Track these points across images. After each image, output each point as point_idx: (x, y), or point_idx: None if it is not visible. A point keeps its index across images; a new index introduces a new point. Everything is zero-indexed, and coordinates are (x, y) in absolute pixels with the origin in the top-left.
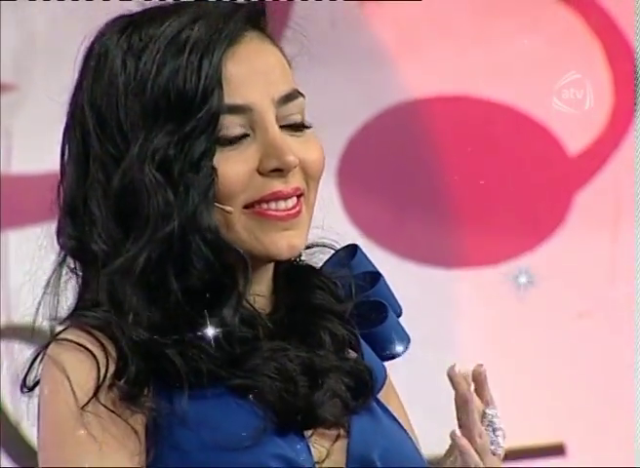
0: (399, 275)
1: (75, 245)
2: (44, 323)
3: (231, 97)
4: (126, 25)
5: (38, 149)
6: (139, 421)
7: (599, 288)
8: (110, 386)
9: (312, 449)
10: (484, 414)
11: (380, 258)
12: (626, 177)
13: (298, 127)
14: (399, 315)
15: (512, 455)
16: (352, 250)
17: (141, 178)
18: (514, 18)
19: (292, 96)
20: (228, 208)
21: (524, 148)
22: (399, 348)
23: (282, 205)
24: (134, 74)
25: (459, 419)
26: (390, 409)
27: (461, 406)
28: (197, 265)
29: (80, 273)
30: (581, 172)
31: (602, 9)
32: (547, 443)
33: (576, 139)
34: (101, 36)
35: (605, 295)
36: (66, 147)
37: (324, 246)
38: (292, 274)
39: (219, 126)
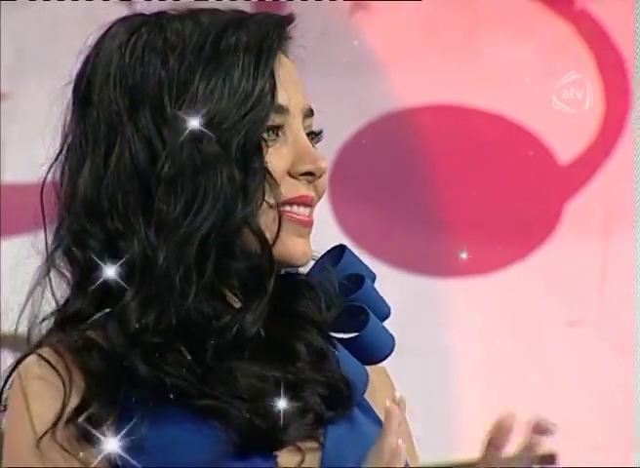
0: (389, 284)
1: (98, 245)
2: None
3: (277, 98)
4: (149, 22)
5: (30, 158)
6: (94, 459)
7: (589, 297)
8: (69, 421)
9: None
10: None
11: (370, 267)
12: (617, 187)
13: (314, 139)
14: (386, 318)
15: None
16: (340, 251)
17: (207, 156)
18: (505, 26)
19: (312, 111)
20: (269, 202)
21: (514, 157)
22: (380, 353)
23: (303, 210)
24: (177, 68)
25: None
26: (377, 410)
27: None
28: (240, 262)
29: (74, 278)
30: (572, 181)
31: (594, 18)
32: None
33: (566, 148)
34: (114, 29)
35: (595, 304)
36: (72, 145)
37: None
38: (275, 280)
39: (267, 122)
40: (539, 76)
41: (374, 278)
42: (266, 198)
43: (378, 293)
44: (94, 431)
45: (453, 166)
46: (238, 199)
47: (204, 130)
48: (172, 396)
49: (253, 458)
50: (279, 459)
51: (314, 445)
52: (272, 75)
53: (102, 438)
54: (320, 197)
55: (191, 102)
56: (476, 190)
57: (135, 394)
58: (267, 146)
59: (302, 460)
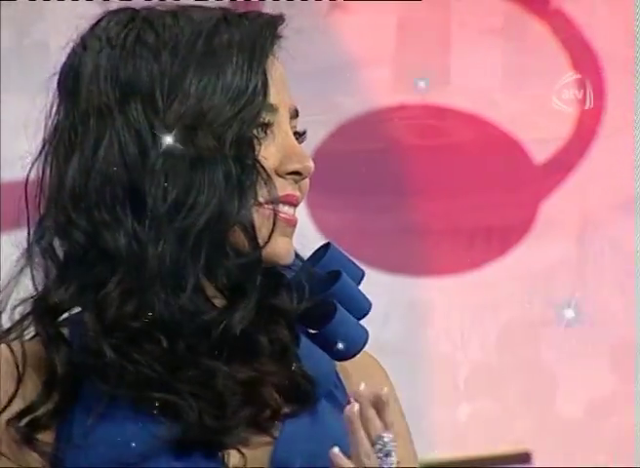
0: (366, 283)
1: (83, 236)
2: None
3: (269, 96)
4: (140, 16)
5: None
6: (36, 462)
7: (565, 296)
8: (10, 422)
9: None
10: (379, 437)
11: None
12: (593, 186)
13: (298, 140)
14: (365, 314)
15: (478, 463)
16: (324, 249)
17: (201, 150)
18: (480, 26)
19: (297, 112)
20: (260, 199)
21: (490, 157)
22: (351, 348)
23: (287, 209)
24: (170, 63)
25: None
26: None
27: (348, 426)
28: (230, 260)
29: (56, 268)
30: (547, 180)
31: (568, 18)
32: (513, 451)
33: (542, 148)
34: (104, 23)
35: (570, 304)
36: (60, 137)
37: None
38: None
39: (259, 120)
40: (514, 77)
41: (361, 275)
42: (260, 195)
43: (357, 290)
44: (38, 432)
45: (428, 166)
46: (234, 195)
47: (197, 125)
48: (132, 384)
49: (195, 456)
50: (230, 455)
51: (268, 440)
52: (264, 73)
53: (45, 442)
54: (303, 197)
55: (184, 97)
56: (451, 190)
57: (90, 390)
58: (259, 144)
59: (245, 458)
